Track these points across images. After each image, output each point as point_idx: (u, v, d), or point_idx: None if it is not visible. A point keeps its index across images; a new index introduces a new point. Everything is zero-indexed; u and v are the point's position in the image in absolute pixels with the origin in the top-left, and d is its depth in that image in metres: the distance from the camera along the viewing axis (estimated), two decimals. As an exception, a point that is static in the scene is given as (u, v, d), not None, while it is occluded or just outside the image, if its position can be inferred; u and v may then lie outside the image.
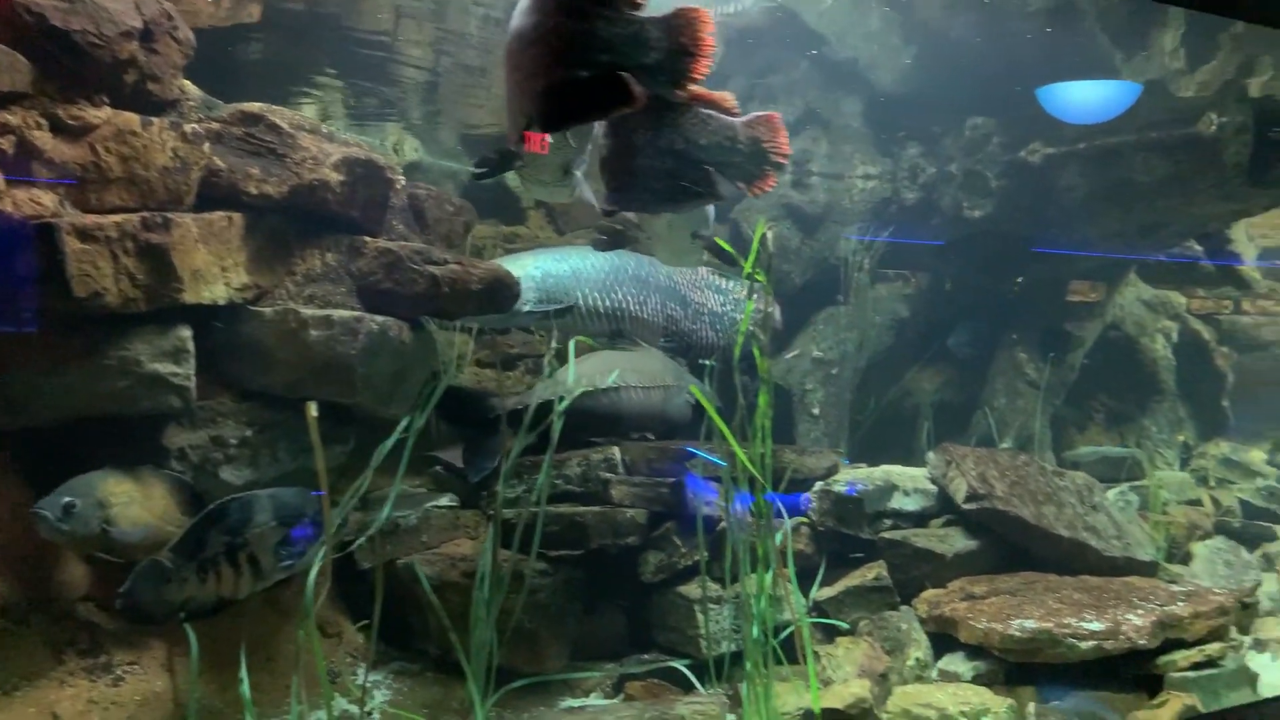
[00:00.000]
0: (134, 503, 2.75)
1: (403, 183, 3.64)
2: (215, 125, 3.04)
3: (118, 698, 2.78)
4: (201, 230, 2.85)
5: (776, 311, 4.90)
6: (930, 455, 4.31)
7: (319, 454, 2.67)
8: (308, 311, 3.03)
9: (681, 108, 2.42)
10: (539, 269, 4.10)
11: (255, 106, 3.16)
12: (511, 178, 3.94)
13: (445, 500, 3.77)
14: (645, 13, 2.21)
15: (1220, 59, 5.15)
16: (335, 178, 3.16)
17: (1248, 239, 6.47)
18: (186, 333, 2.86)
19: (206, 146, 2.92)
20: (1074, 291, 5.90)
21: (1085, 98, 4.94)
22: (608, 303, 4.15)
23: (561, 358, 3.77)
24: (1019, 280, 5.75)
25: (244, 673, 2.74)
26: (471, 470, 3.68)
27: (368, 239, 3.30)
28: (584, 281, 4.13)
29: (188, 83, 3.09)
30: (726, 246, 3.37)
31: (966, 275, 5.60)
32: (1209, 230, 5.87)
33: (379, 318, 3.11)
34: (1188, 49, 5.18)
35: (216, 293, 2.91)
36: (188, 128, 2.88)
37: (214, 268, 2.90)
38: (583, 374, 3.88)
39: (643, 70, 2.20)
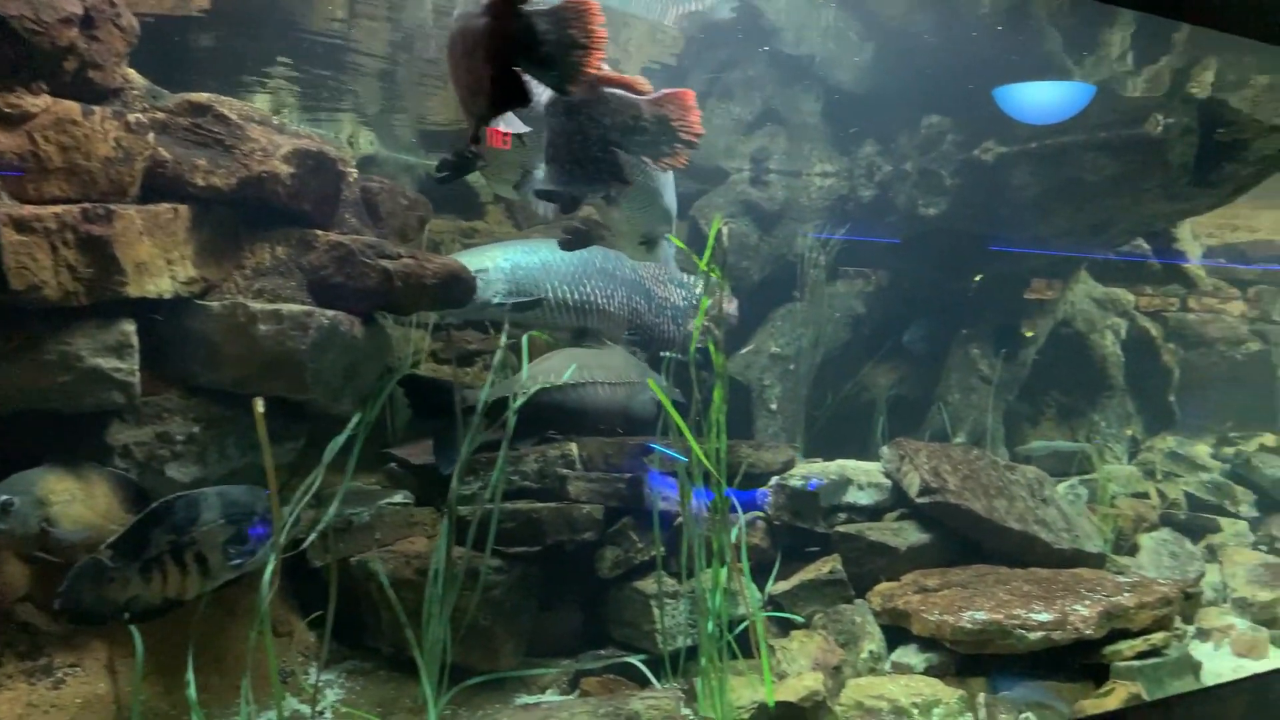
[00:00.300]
0: (75, 501, 2.69)
1: (355, 175, 3.59)
2: (161, 115, 2.98)
3: (58, 700, 2.71)
4: (146, 222, 2.79)
5: (733, 307, 4.92)
6: (884, 450, 4.35)
7: (266, 451, 2.64)
8: (256, 306, 2.98)
9: (586, 89, 2.43)
10: (509, 261, 4.09)
11: (203, 97, 3.10)
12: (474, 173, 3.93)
13: (399, 497, 3.74)
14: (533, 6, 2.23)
15: (1167, 61, 5.26)
16: (285, 170, 3.11)
17: (1193, 238, 6.62)
18: (130, 327, 2.80)
19: (151, 136, 2.86)
20: (1033, 290, 5.99)
21: (1041, 98, 5.02)
22: (576, 296, 4.17)
23: (516, 352, 3.76)
24: (978, 278, 5.83)
25: (190, 674, 2.69)
26: (443, 461, 3.64)
27: (319, 232, 3.26)
28: (553, 274, 4.14)
29: (132, 71, 3.02)
30: (679, 243, 3.38)
31: (921, 272, 5.66)
32: (1156, 229, 5.99)
33: (330, 312, 3.06)
34: (1136, 51, 5.28)
35: (162, 286, 2.85)
36: (131, 117, 2.82)
37: (159, 260, 2.84)
38: (550, 369, 3.91)
39: (535, 65, 2.21)
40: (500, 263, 4.05)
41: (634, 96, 2.54)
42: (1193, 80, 5.20)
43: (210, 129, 3.02)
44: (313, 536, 3.12)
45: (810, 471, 4.16)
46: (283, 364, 3.00)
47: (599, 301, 4.25)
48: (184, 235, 2.94)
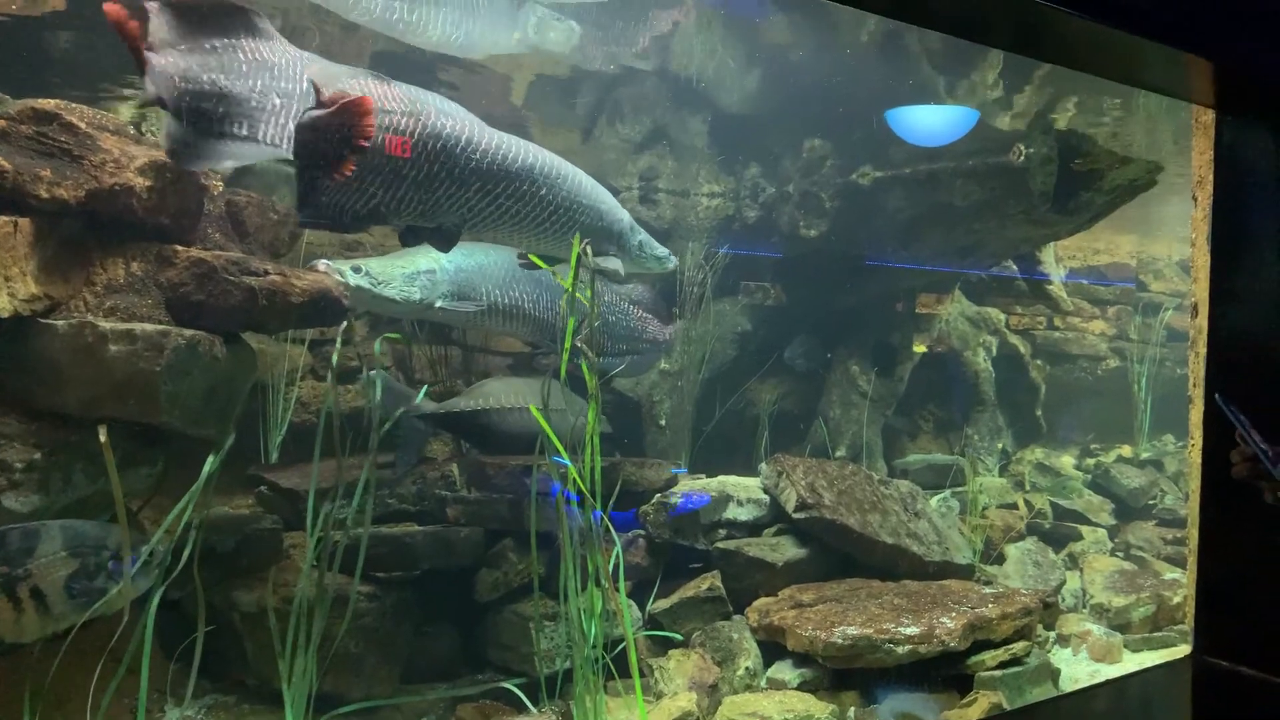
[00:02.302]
0: (-105, 534, 2.49)
1: (221, 189, 3.46)
2: (0, 123, 2.80)
3: (-126, 752, 2.51)
4: (-20, 236, 2.62)
5: (669, 328, 4.99)
6: (763, 466, 4.42)
7: (115, 478, 2.50)
8: (106, 325, 2.83)
9: None
10: (451, 262, 4.06)
11: (49, 103, 2.93)
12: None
13: (268, 522, 3.61)
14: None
15: (1031, 93, 5.54)
16: (141, 182, 2.96)
17: (1055, 261, 6.97)
18: (-39, 348, 2.62)
19: (-14, 145, 2.69)
20: (922, 304, 6.21)
21: (930, 121, 5.20)
22: (506, 300, 4.17)
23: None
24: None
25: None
26: (399, 465, 3.80)
27: (179, 248, 3.12)
28: (488, 277, 4.13)
29: (-32, 76, 2.84)
30: (539, 263, 3.40)
31: (803, 291, 5.80)
32: (1022, 252, 6.29)
33: (188, 332, 2.93)
34: (1005, 83, 5.54)
35: (-2, 304, 2.68)
36: (-35, 124, 2.64)
37: (-5, 277, 2.66)
38: (490, 393, 4.04)
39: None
40: (445, 264, 4.02)
41: (312, 112, 2.67)
42: (1054, 112, 5.49)
43: (56, 138, 2.85)
44: (176, 571, 2.97)
45: (692, 488, 4.20)
46: (135, 386, 2.85)
47: (525, 306, 4.27)
48: (25, 250, 2.76)
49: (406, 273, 3.84)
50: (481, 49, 4.62)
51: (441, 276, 3.96)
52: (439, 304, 3.94)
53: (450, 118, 3.14)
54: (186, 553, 2.93)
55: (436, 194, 3.13)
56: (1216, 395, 2.20)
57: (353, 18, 4.13)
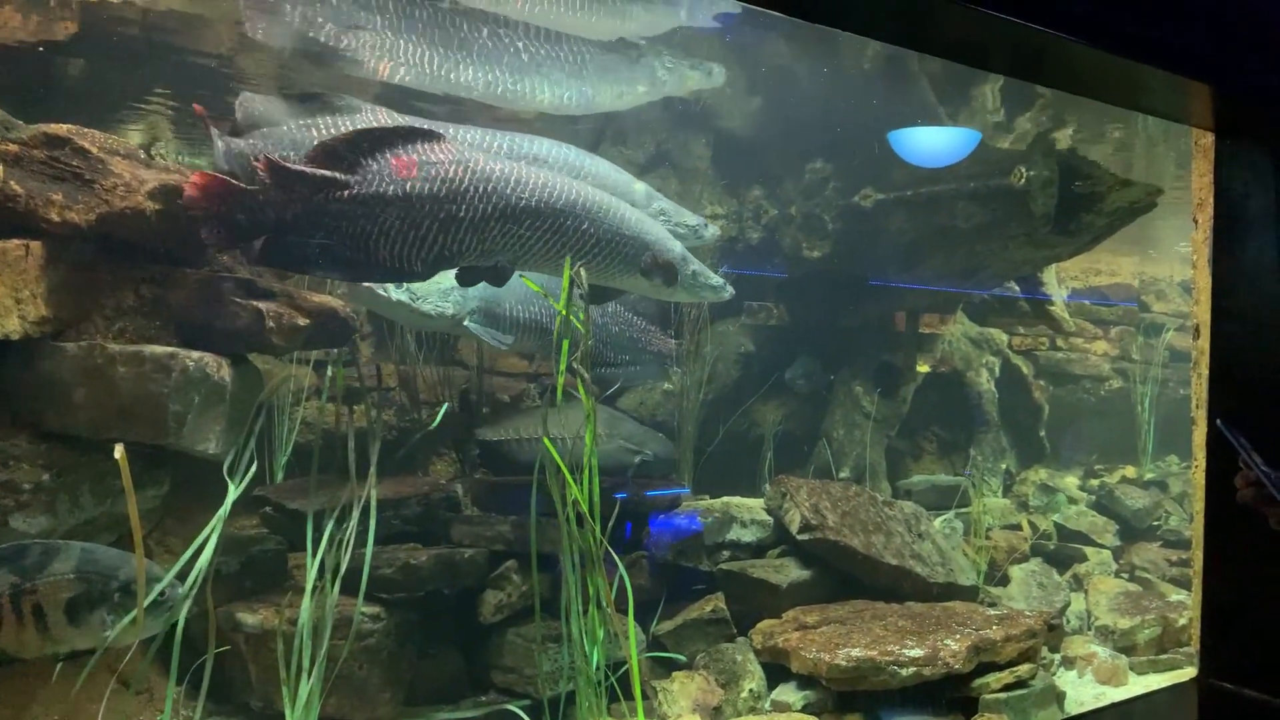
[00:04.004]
0: (-97, 553, 2.50)
1: (229, 212, 3.48)
2: (13, 147, 2.84)
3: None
4: (-8, 259, 2.65)
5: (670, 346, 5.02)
6: (767, 487, 4.43)
7: (131, 496, 2.51)
8: (115, 347, 2.86)
9: None
10: None
11: (61, 128, 2.97)
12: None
13: (273, 544, 3.62)
14: None
15: (1032, 115, 5.58)
16: (151, 206, 3.00)
17: (1057, 282, 6.99)
18: (-30, 369, 2.65)
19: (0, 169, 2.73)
20: (925, 323, 6.23)
21: (932, 143, 5.24)
22: (526, 315, 4.21)
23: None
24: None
25: (31, 739, 2.53)
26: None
27: (187, 270, 3.15)
28: (513, 293, 4.19)
29: (-19, 102, 2.88)
30: (534, 285, 3.42)
31: (805, 311, 5.82)
32: (1024, 273, 6.30)
33: (195, 353, 2.95)
34: (1005, 105, 5.58)
35: (9, 326, 2.71)
36: (-22, 149, 2.68)
37: (7, 299, 2.70)
38: (527, 424, 4.18)
39: None
40: None
41: None
42: (1055, 134, 5.53)
43: (68, 162, 2.89)
44: (188, 601, 2.96)
45: (696, 508, 4.21)
46: (144, 407, 2.87)
47: (544, 322, 4.31)
48: (36, 273, 2.80)
49: (441, 288, 3.90)
50: (602, 105, 4.70)
51: (474, 292, 4.02)
52: (466, 321, 4.00)
53: (501, 161, 3.22)
54: (195, 578, 2.93)
55: (492, 234, 3.20)
56: (1218, 420, 2.21)
57: (458, 93, 4.22)
